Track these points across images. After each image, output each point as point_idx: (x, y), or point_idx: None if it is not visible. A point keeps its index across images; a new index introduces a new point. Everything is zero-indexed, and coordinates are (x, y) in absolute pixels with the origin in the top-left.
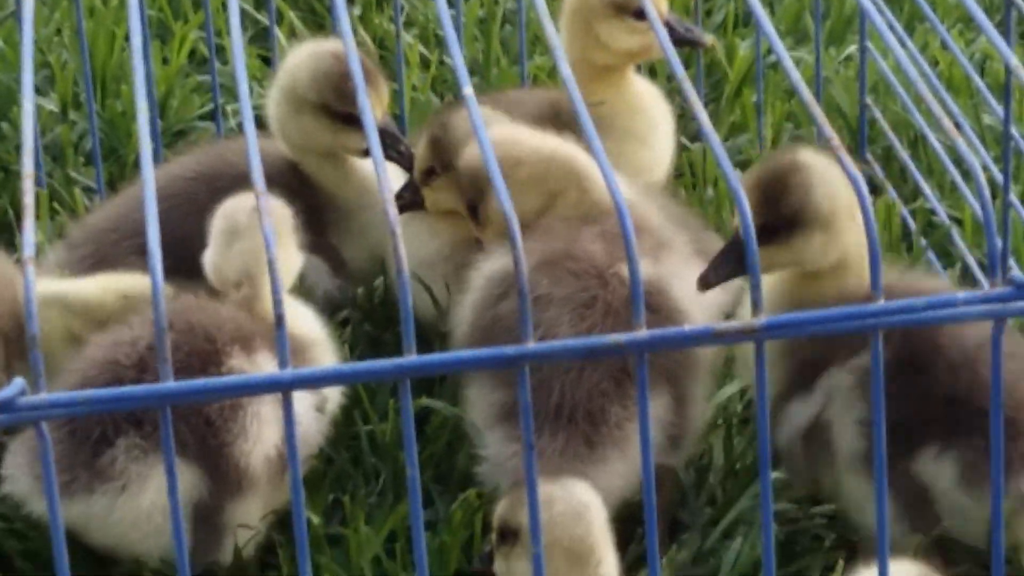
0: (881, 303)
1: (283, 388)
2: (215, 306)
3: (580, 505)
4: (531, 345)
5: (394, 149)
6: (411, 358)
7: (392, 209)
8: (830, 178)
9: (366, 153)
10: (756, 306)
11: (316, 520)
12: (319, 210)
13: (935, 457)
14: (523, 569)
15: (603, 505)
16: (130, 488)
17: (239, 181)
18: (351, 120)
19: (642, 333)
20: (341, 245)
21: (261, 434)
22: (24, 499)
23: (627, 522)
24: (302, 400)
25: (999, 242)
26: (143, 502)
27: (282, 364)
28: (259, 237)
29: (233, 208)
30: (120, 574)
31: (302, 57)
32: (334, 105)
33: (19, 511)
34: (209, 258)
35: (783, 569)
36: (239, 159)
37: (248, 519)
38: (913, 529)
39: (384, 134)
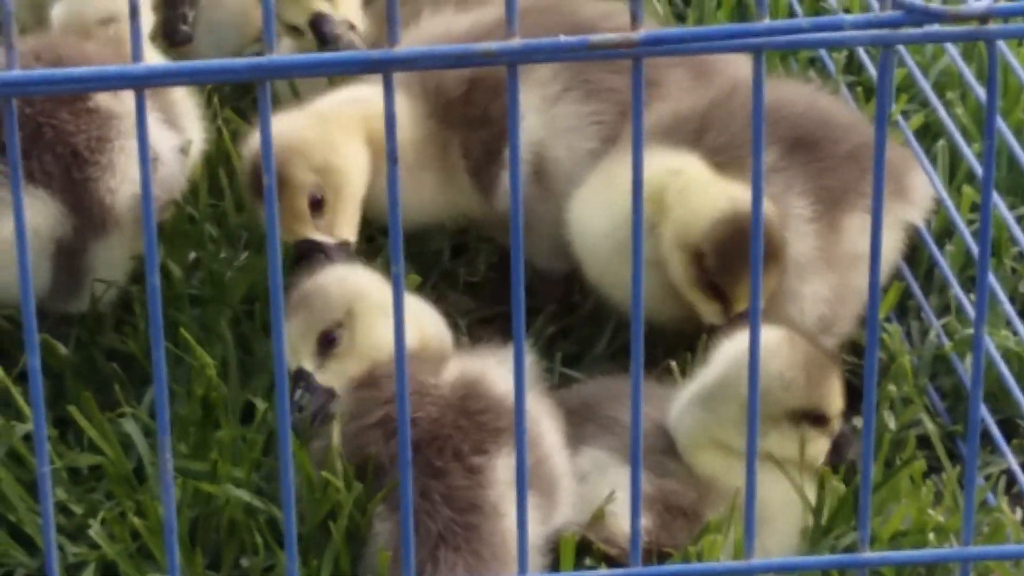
0: (766, 22)
1: (136, 84)
2: (80, 43)
3: None
4: (398, 50)
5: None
6: (270, 57)
7: None
8: None
9: None
10: (635, 19)
11: (178, 274)
12: None
13: None
14: None
15: None
16: None
17: None
18: None
19: (515, 42)
20: None
21: (128, 171)
22: None
23: None
24: (164, 140)
25: None
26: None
27: (136, 59)
28: None
29: None
30: None
31: None
32: None
33: None
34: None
35: None
36: None
37: (111, 263)
38: None
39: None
